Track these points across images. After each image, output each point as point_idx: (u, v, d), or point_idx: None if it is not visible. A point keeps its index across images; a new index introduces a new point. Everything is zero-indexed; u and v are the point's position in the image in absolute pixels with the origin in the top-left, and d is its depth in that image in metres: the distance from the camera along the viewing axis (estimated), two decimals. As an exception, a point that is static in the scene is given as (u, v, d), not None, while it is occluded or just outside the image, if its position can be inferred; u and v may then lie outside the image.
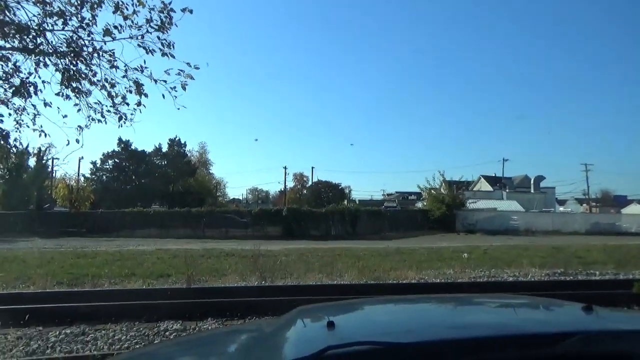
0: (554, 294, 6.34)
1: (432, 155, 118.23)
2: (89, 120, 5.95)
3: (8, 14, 5.30)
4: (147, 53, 5.56)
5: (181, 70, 5.62)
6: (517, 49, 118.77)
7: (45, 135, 6.17)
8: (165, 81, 5.67)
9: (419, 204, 50.28)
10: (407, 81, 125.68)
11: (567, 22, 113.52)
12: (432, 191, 41.60)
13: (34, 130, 6.02)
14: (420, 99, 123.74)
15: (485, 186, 62.63)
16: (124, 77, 5.72)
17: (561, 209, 58.09)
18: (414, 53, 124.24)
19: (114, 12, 5.33)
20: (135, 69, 5.64)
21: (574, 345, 1.38)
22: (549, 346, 1.39)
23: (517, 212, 43.62)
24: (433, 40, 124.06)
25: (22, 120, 6.00)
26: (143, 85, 5.77)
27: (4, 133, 6.10)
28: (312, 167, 79.57)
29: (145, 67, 5.67)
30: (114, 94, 5.79)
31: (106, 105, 5.90)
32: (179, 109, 5.91)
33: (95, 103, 5.91)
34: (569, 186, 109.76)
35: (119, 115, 5.91)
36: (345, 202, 61.63)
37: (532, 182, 58.70)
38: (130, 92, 5.76)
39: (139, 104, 5.92)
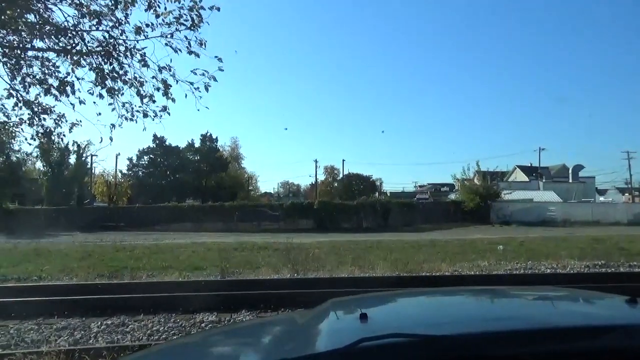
0: (595, 287, 6.13)
1: (466, 146, 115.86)
2: (121, 118, 6.11)
3: (46, 15, 5.48)
4: (175, 52, 5.63)
5: (205, 71, 5.68)
6: (555, 33, 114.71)
7: (79, 145, 6.42)
8: (192, 83, 5.75)
9: (452, 196, 49.47)
10: (441, 71, 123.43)
11: (607, 4, 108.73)
12: (466, 182, 40.86)
13: (72, 141, 6.27)
14: (454, 89, 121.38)
15: (520, 176, 61.04)
16: (153, 77, 5.83)
17: (601, 199, 56.03)
18: (447, 39, 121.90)
19: (146, 10, 5.43)
20: (164, 67, 5.74)
21: (617, 339, 1.32)
22: (590, 340, 1.34)
23: (554, 202, 42.32)
24: (466, 26, 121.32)
25: (61, 127, 6.24)
26: (171, 86, 5.86)
27: (47, 131, 6.36)
28: (343, 160, 79.46)
29: (171, 66, 5.76)
30: (143, 92, 5.91)
31: (135, 105, 6.04)
32: (202, 109, 6.00)
33: (126, 102, 6.06)
34: (610, 175, 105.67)
35: (145, 113, 6.03)
36: (377, 194, 61.26)
37: (570, 171, 56.82)
38: (158, 89, 5.86)
39: (164, 108, 6.03)
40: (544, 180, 53.84)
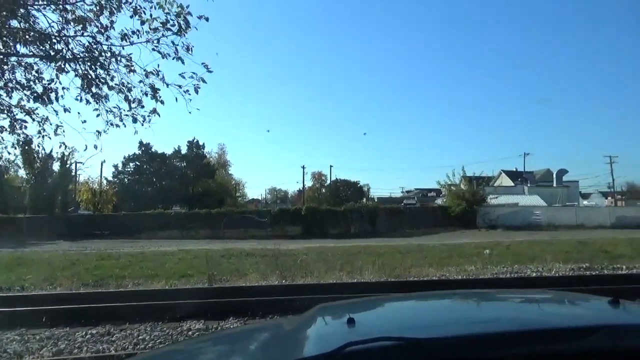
0: (580, 289, 6.21)
1: (452, 151, 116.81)
2: (107, 125, 6.04)
3: (30, 21, 5.42)
4: (162, 58, 5.60)
5: (194, 73, 5.64)
6: (539, 38, 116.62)
7: (66, 147, 6.32)
8: (180, 86, 5.70)
9: (439, 201, 49.75)
10: (426, 76, 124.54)
11: (590, 9, 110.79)
12: (452, 187, 41.13)
13: (59, 143, 6.18)
14: (439, 95, 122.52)
15: (506, 181, 61.73)
16: (140, 82, 5.78)
17: (585, 202, 56.83)
18: (432, 44, 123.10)
19: (131, 17, 5.40)
20: (152, 72, 5.70)
21: (600, 340, 1.35)
22: (574, 341, 1.36)
23: (539, 206, 42.87)
24: (450, 31, 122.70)
25: (45, 130, 6.14)
26: (159, 90, 5.81)
27: (27, 139, 6.27)
28: (331, 166, 79.93)
29: (159, 71, 5.72)
30: (131, 97, 5.86)
31: (124, 110, 5.98)
32: (191, 112, 5.97)
33: (114, 107, 6.00)
34: (593, 179, 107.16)
35: (134, 118, 5.97)
36: (364, 200, 61.42)
37: (554, 176, 57.60)
38: (146, 94, 5.81)
39: (154, 111, 5.98)
40: (528, 185, 54.50)
